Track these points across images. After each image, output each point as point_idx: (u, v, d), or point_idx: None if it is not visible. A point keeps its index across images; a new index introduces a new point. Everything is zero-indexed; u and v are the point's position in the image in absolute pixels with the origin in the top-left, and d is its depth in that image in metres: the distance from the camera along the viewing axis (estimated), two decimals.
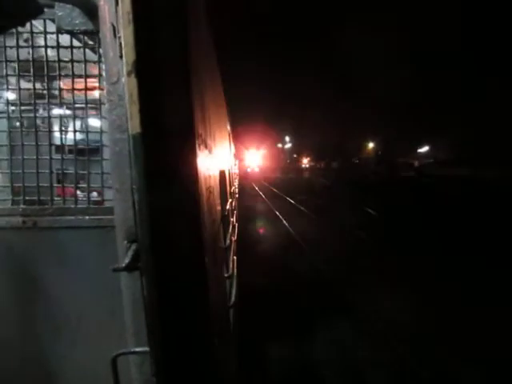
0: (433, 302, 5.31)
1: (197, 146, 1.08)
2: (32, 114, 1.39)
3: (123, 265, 0.93)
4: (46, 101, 1.37)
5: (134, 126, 0.86)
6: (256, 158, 66.76)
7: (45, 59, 1.30)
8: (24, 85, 1.37)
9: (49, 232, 1.29)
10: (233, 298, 2.19)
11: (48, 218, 1.30)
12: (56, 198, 1.34)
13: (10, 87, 1.37)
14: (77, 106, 1.36)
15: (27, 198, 1.34)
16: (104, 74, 1.02)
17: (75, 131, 1.37)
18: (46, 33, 1.27)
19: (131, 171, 0.95)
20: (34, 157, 1.36)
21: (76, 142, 1.37)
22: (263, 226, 11.40)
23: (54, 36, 1.31)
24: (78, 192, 1.45)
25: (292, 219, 11.70)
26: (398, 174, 38.58)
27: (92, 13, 1.10)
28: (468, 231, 9.99)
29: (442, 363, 3.98)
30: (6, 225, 1.29)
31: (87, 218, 1.29)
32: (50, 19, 1.29)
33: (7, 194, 1.38)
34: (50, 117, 1.35)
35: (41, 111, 1.40)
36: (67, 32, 1.25)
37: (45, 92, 1.40)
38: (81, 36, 1.35)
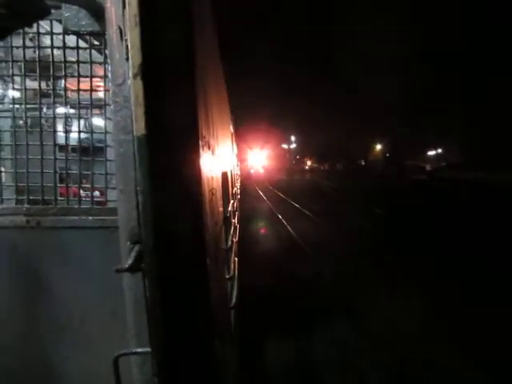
0: (443, 305, 5.25)
1: (200, 147, 1.09)
2: (36, 114, 1.40)
3: (126, 266, 0.93)
4: (50, 100, 1.38)
5: (139, 127, 0.87)
6: (260, 158, 64.31)
7: (51, 59, 1.31)
8: (29, 84, 1.37)
9: (52, 232, 1.30)
10: (234, 300, 2.19)
11: (51, 218, 1.30)
12: (59, 198, 1.35)
13: (14, 87, 1.38)
14: (81, 106, 1.36)
15: (31, 197, 1.35)
16: (110, 75, 1.03)
17: (80, 131, 1.37)
18: (52, 33, 1.28)
19: (135, 172, 0.95)
20: (39, 156, 1.36)
21: (80, 142, 1.38)
22: (272, 246, 9.22)
23: (60, 36, 1.32)
24: (81, 192, 1.45)
25: (305, 233, 9.97)
26: (408, 178, 36.37)
27: (98, 14, 1.11)
28: (485, 238, 9.35)
29: (443, 364, 3.99)
30: (10, 224, 1.30)
31: (90, 218, 1.30)
32: (56, 20, 1.30)
33: (11, 193, 1.39)
34: (54, 117, 1.36)
35: (45, 111, 1.41)
36: (73, 33, 1.26)
37: (49, 92, 1.41)
38: (87, 37, 1.36)
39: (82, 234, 1.29)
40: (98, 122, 1.58)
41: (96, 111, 1.46)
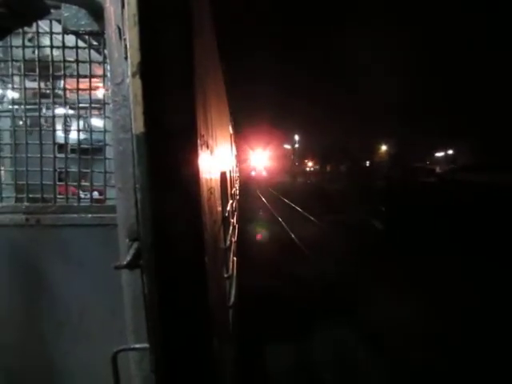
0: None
1: (199, 146, 1.10)
2: (36, 113, 1.41)
3: (125, 262, 0.94)
4: (49, 100, 1.39)
5: (138, 126, 0.88)
6: (261, 159, 61.64)
7: (50, 59, 1.32)
8: (28, 84, 1.38)
9: (52, 229, 1.31)
10: (232, 299, 2.20)
11: (51, 216, 1.31)
12: (59, 196, 1.36)
13: (14, 86, 1.38)
14: (80, 105, 1.37)
15: (30, 195, 1.36)
16: (109, 74, 1.04)
17: (79, 130, 1.38)
18: (51, 33, 1.29)
19: (134, 170, 0.96)
20: (38, 155, 1.37)
21: (79, 141, 1.39)
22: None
23: (58, 36, 1.33)
24: (81, 191, 1.46)
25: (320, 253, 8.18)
26: (416, 180, 33.34)
27: (97, 14, 1.12)
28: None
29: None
30: (10, 222, 1.31)
31: (89, 216, 1.31)
32: (55, 20, 1.30)
33: (11, 191, 1.40)
34: (54, 116, 1.37)
35: (44, 110, 1.42)
36: (73, 33, 1.27)
37: (48, 91, 1.42)
38: (85, 37, 1.37)
39: (81, 232, 1.30)
40: (96, 121, 1.59)
41: (95, 110, 1.47)
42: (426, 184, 31.00)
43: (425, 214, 13.87)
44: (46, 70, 1.36)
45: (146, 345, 0.97)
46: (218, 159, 2.10)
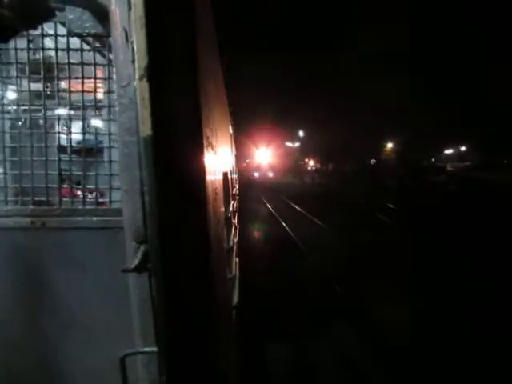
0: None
1: (204, 148, 1.10)
2: (39, 116, 1.41)
3: (132, 266, 0.94)
4: (52, 102, 1.39)
5: (146, 128, 0.88)
6: (265, 158, 57.36)
7: (55, 61, 1.32)
8: (32, 86, 1.38)
9: (57, 232, 1.31)
10: (235, 299, 2.21)
11: (56, 219, 1.31)
12: (64, 199, 1.36)
13: (17, 89, 1.38)
14: (83, 108, 1.37)
15: (36, 198, 1.36)
16: (114, 76, 1.04)
17: (84, 133, 1.38)
18: (56, 35, 1.29)
19: (141, 173, 0.96)
20: (43, 158, 1.37)
21: (84, 143, 1.39)
22: None
23: (61, 39, 1.33)
24: (80, 193, 1.46)
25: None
26: (427, 179, 30.71)
27: (102, 16, 1.11)
28: None
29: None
30: (15, 225, 1.30)
31: (95, 219, 1.31)
32: (59, 22, 1.30)
33: (16, 194, 1.40)
34: (59, 118, 1.36)
35: (49, 113, 1.42)
36: (77, 35, 1.26)
37: (52, 93, 1.42)
38: (89, 39, 1.37)
39: (87, 235, 1.30)
40: (98, 123, 1.59)
41: (94, 113, 1.47)
42: (440, 183, 28.40)
43: (460, 221, 12.31)
44: (48, 72, 1.36)
45: (154, 348, 0.97)
46: (220, 160, 2.10)
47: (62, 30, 1.31)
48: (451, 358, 4.15)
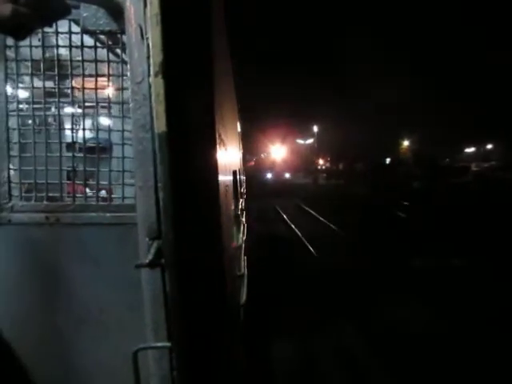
0: None
1: (217, 145, 1.11)
2: (52, 113, 1.42)
3: (146, 261, 0.95)
4: (67, 100, 1.40)
5: (161, 125, 0.88)
6: (280, 154, 53.03)
7: (69, 59, 1.33)
8: (41, 84, 1.39)
9: (71, 228, 1.32)
10: (244, 297, 2.21)
11: (70, 215, 1.32)
12: (77, 195, 1.37)
13: (30, 86, 1.40)
14: (98, 105, 1.38)
15: (49, 194, 1.37)
16: (128, 74, 1.04)
17: (98, 130, 1.39)
18: (70, 33, 1.30)
19: (155, 169, 0.97)
20: (55, 154, 1.39)
21: (97, 140, 1.40)
22: None
23: (72, 36, 1.34)
24: (88, 190, 1.48)
25: None
26: (448, 180, 27.14)
27: (117, 13, 1.12)
28: None
29: None
30: (30, 221, 1.32)
31: (108, 215, 1.32)
32: (72, 20, 1.31)
33: (30, 190, 1.41)
34: (73, 115, 1.38)
35: (62, 110, 1.43)
36: (91, 32, 1.28)
37: (65, 91, 1.43)
38: (102, 36, 1.38)
39: (100, 230, 1.31)
40: (110, 121, 1.60)
41: (107, 111, 1.48)
42: (467, 186, 24.89)
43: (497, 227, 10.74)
44: (61, 69, 1.37)
45: (166, 343, 0.97)
46: (230, 157, 2.10)
47: (74, 28, 1.32)
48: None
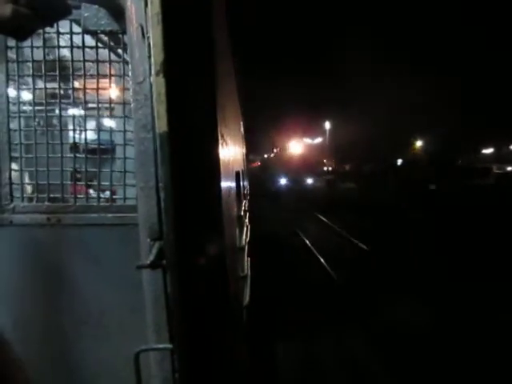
0: None
1: (220, 145, 1.10)
2: (54, 114, 1.42)
3: (147, 262, 0.94)
4: (68, 100, 1.40)
5: (162, 125, 0.88)
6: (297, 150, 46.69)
7: (70, 59, 1.33)
8: (42, 85, 1.39)
9: (73, 229, 1.32)
10: (247, 299, 2.20)
11: (72, 216, 1.32)
12: (79, 196, 1.37)
13: (30, 87, 1.39)
14: (100, 105, 1.38)
15: (51, 195, 1.37)
16: (130, 74, 1.04)
17: (99, 130, 1.39)
18: (72, 33, 1.30)
19: (156, 170, 0.96)
20: (57, 155, 1.38)
21: (99, 140, 1.40)
22: None
23: (73, 36, 1.34)
24: (91, 191, 1.48)
25: None
26: (468, 183, 24.47)
27: (118, 13, 1.12)
28: None
29: None
30: (31, 221, 1.32)
31: (109, 215, 1.32)
32: (73, 20, 1.31)
33: (32, 191, 1.41)
34: (74, 116, 1.38)
35: (64, 111, 1.43)
36: (92, 32, 1.27)
37: (67, 92, 1.43)
38: (103, 36, 1.37)
39: (102, 231, 1.31)
40: (111, 121, 1.60)
41: (109, 111, 1.47)
42: (491, 189, 22.12)
43: None
44: (62, 70, 1.37)
45: (168, 345, 0.96)
46: (233, 158, 2.09)
47: (76, 29, 1.32)
48: None
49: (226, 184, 1.38)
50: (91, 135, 1.46)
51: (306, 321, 5.39)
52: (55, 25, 1.28)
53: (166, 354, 0.99)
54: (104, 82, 1.39)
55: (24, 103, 1.40)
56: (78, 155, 1.39)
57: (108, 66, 1.37)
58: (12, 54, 1.34)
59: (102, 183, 1.41)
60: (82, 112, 1.41)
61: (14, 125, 1.36)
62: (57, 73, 1.34)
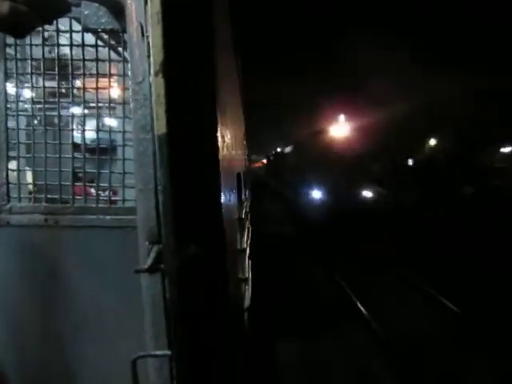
0: None
1: (220, 147, 1.08)
2: (53, 113, 1.40)
3: (145, 266, 0.92)
4: (68, 99, 1.38)
5: (161, 126, 0.85)
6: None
7: (69, 58, 1.31)
8: (46, 84, 1.37)
9: (70, 230, 1.30)
10: (248, 301, 2.18)
11: (69, 217, 1.30)
12: (77, 197, 1.35)
13: (31, 85, 1.37)
14: (99, 105, 1.36)
15: (49, 196, 1.35)
16: (129, 73, 1.02)
17: (98, 130, 1.37)
18: (71, 31, 1.28)
19: (155, 171, 0.94)
20: (56, 155, 1.36)
21: (98, 141, 1.37)
22: None
23: (72, 34, 1.32)
24: (93, 191, 1.46)
25: None
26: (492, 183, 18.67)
27: (118, 12, 1.10)
28: None
29: None
30: (28, 222, 1.30)
31: (108, 217, 1.29)
32: (74, 18, 1.29)
33: (29, 191, 1.39)
34: (73, 115, 1.36)
35: (63, 110, 1.41)
36: (92, 31, 1.25)
37: (66, 91, 1.41)
38: (104, 36, 1.36)
39: (100, 233, 1.29)
40: (112, 121, 1.57)
41: (108, 111, 1.45)
42: None
43: None
44: (63, 69, 1.35)
45: (166, 351, 0.94)
46: (234, 160, 2.07)
47: (76, 27, 1.30)
48: None
49: (226, 186, 1.36)
50: (91, 135, 1.44)
51: None
52: (55, 23, 1.26)
53: (164, 360, 0.97)
54: (104, 81, 1.37)
55: (22, 102, 1.38)
56: (76, 155, 1.37)
57: (108, 64, 1.35)
58: (11, 52, 1.32)
59: (101, 184, 1.39)
60: (82, 111, 1.39)
61: (11, 123, 1.34)
62: (56, 71, 1.32)
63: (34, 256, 1.30)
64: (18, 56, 1.33)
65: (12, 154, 1.36)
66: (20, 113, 1.37)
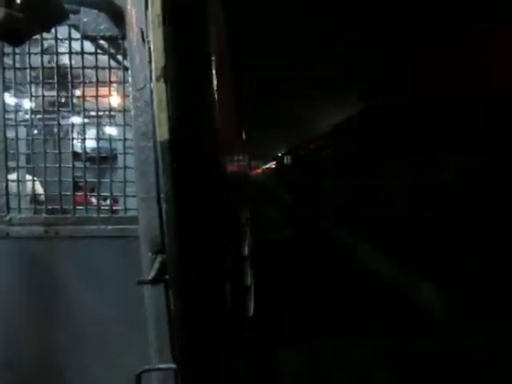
0: None
1: (223, 153, 1.06)
2: (53, 122, 1.38)
3: (149, 277, 0.89)
4: (67, 108, 1.36)
5: (163, 132, 0.83)
6: None
7: (69, 66, 1.29)
8: (42, 93, 1.35)
9: (71, 241, 1.27)
10: (251, 309, 2.15)
11: (70, 228, 1.27)
12: (78, 207, 1.32)
13: (30, 95, 1.36)
14: (99, 113, 1.34)
15: (49, 206, 1.32)
16: (130, 80, 1.00)
17: (98, 139, 1.35)
18: (70, 39, 1.26)
19: (157, 180, 0.92)
20: (56, 165, 1.34)
21: (98, 149, 1.35)
22: None
23: (71, 42, 1.30)
24: (94, 200, 1.43)
25: None
26: None
27: (118, 18, 1.08)
28: None
29: None
30: (28, 234, 1.27)
31: (109, 227, 1.27)
32: (72, 25, 1.27)
33: (29, 202, 1.37)
34: (73, 124, 1.33)
35: (62, 119, 1.39)
36: (91, 38, 1.24)
37: (66, 99, 1.39)
38: (103, 43, 1.34)
39: (101, 244, 1.26)
40: (112, 129, 1.55)
41: (109, 119, 1.44)
42: None
43: None
44: (61, 77, 1.33)
45: (171, 365, 0.91)
46: (235, 165, 2.06)
47: (75, 35, 1.28)
48: None
49: (230, 192, 1.34)
50: (91, 144, 1.42)
51: None
52: (53, 30, 1.25)
53: (169, 374, 0.94)
54: (104, 89, 1.35)
55: (21, 111, 1.36)
56: (77, 165, 1.35)
57: (108, 72, 1.34)
58: (9, 61, 1.30)
59: (102, 194, 1.37)
60: (81, 120, 1.37)
61: (10, 134, 1.32)
62: (55, 80, 1.30)
63: (34, 268, 1.27)
64: (17, 65, 1.31)
65: (11, 164, 1.34)
66: (19, 123, 1.35)
